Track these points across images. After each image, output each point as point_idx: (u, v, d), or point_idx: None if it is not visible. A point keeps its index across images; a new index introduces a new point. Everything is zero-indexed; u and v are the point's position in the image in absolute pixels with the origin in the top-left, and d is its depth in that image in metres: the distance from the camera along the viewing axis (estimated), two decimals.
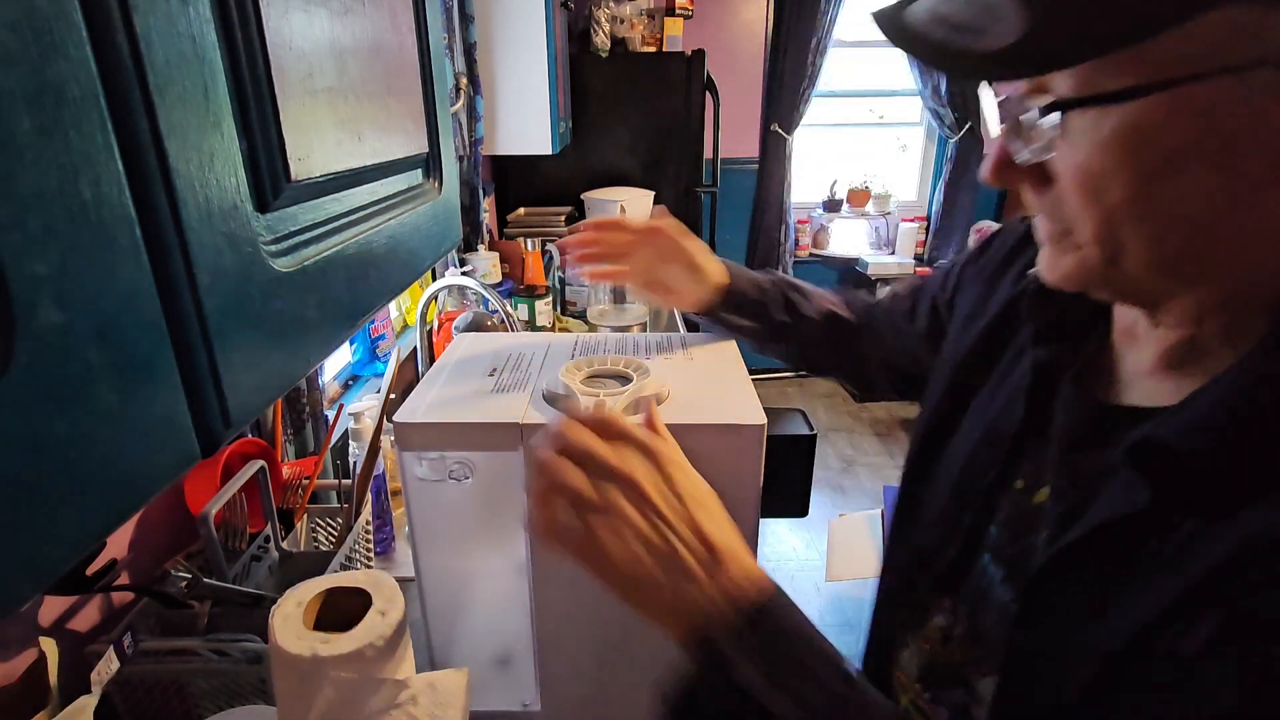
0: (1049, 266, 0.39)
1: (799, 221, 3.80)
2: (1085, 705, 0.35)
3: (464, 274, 1.65)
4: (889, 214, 3.79)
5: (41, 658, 0.60)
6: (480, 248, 2.02)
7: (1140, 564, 0.34)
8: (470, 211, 2.00)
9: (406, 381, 1.52)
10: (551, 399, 0.62)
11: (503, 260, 2.00)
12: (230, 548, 0.77)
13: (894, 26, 0.36)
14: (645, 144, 2.68)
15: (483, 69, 1.91)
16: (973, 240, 3.80)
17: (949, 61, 0.34)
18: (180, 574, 0.66)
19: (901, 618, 0.55)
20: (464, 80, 1.80)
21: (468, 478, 0.60)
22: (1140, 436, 0.35)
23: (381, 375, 1.48)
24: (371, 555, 0.98)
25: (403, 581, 0.54)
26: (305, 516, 0.95)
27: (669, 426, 0.58)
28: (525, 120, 2.00)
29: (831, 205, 3.76)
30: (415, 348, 1.54)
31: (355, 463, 0.95)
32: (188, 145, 0.27)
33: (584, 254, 0.74)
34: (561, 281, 2.13)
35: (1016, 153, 0.37)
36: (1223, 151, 0.31)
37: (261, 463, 0.77)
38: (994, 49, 0.32)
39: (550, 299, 1.85)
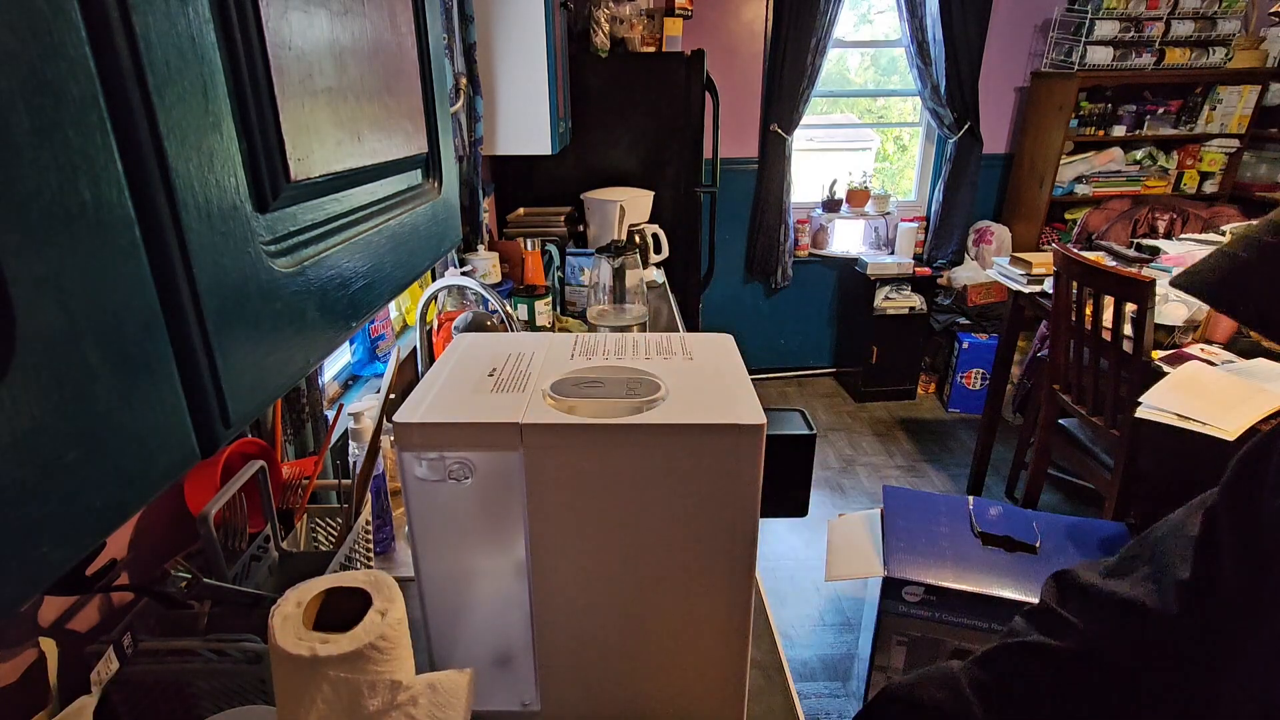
0: None
1: (798, 221, 3.80)
2: None
3: (464, 274, 1.65)
4: (888, 214, 3.79)
5: (41, 658, 0.60)
6: (480, 248, 2.02)
7: None
8: (470, 211, 2.00)
9: (406, 381, 1.52)
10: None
11: (502, 260, 2.00)
12: (230, 548, 0.77)
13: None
14: (645, 144, 2.68)
15: (483, 69, 1.91)
16: (971, 240, 3.80)
17: None
18: (180, 574, 0.66)
19: None
20: (464, 80, 1.80)
21: (468, 478, 0.60)
22: None
23: (381, 375, 1.48)
24: (371, 555, 0.98)
25: (403, 581, 0.54)
26: (305, 516, 0.95)
27: (669, 426, 0.58)
28: (525, 120, 2.00)
29: (831, 205, 3.77)
30: (415, 348, 1.53)
31: (355, 463, 0.95)
32: (187, 145, 0.27)
33: None
34: (561, 281, 2.13)
35: None
36: None
37: (261, 463, 0.77)
38: None
39: (550, 299, 1.84)
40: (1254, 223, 0.44)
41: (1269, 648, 0.48)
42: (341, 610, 0.50)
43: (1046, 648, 0.60)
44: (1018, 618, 0.64)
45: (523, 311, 1.80)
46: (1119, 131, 3.52)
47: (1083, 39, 3.30)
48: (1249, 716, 0.49)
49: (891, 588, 1.56)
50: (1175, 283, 0.49)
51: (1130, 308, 1.87)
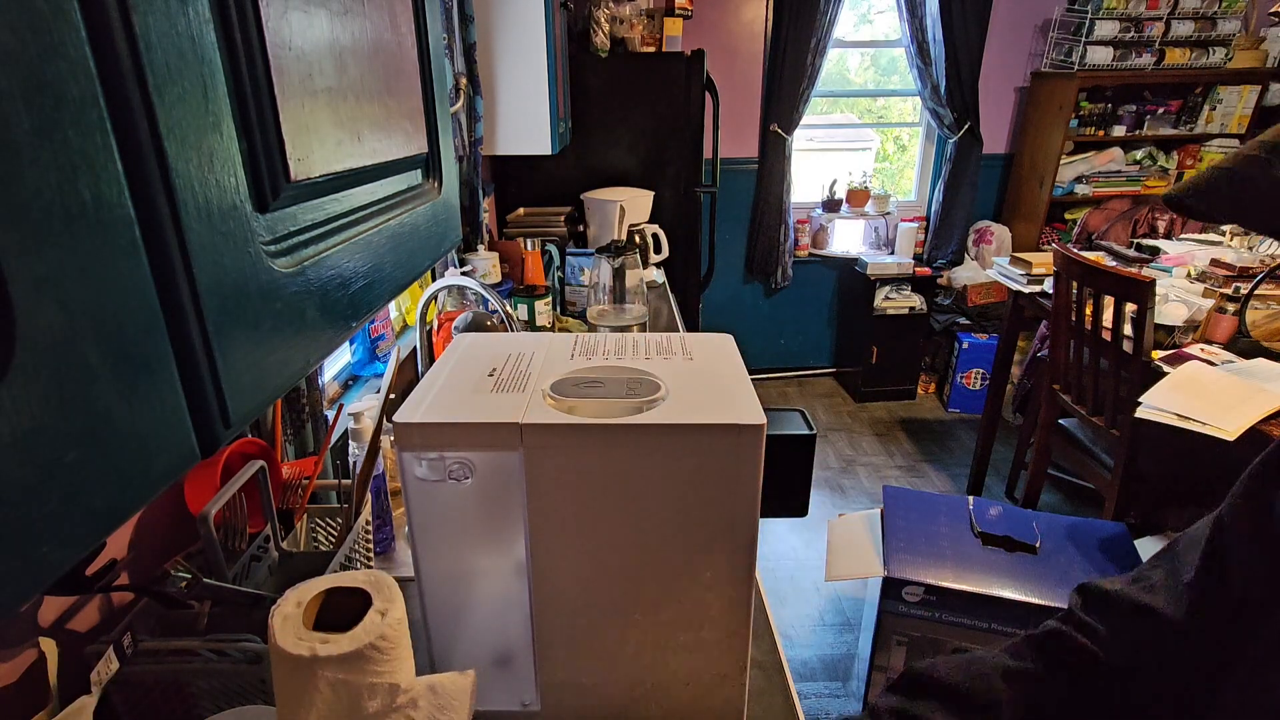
0: None
1: (798, 221, 3.80)
2: None
3: (464, 274, 1.65)
4: (888, 214, 3.80)
5: (41, 658, 0.60)
6: (480, 248, 2.02)
7: None
8: (470, 211, 2.00)
9: (406, 381, 1.52)
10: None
11: (502, 260, 2.00)
12: (230, 548, 0.77)
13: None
14: (645, 144, 2.68)
15: (483, 69, 1.91)
16: (971, 240, 3.80)
17: None
18: (180, 574, 0.66)
19: None
20: (464, 80, 1.80)
21: (467, 478, 0.60)
22: None
23: (381, 375, 1.48)
24: (371, 555, 0.98)
25: (403, 581, 0.54)
26: (305, 516, 0.95)
27: (669, 426, 0.58)
28: (525, 120, 2.00)
29: (831, 205, 3.77)
30: (415, 348, 1.53)
31: (355, 463, 0.95)
32: (187, 145, 0.27)
33: None
34: (561, 281, 2.13)
35: None
36: None
37: (261, 463, 0.77)
38: None
39: (550, 299, 1.84)
40: (1244, 144, 0.45)
41: (1274, 644, 0.48)
42: (341, 610, 0.50)
43: (1074, 640, 0.61)
44: (1049, 621, 0.65)
45: (523, 311, 1.80)
46: (1119, 131, 3.52)
47: (1083, 39, 3.30)
48: (1251, 715, 0.49)
49: (891, 588, 1.56)
50: (1166, 197, 0.49)
51: (1130, 308, 1.87)
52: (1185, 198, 0.48)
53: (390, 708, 0.47)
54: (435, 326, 1.54)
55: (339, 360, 1.52)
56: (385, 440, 1.02)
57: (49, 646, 0.60)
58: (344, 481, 0.97)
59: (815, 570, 2.45)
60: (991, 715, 0.59)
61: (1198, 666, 0.55)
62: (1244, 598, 0.52)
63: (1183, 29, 3.35)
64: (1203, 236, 2.75)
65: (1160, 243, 2.57)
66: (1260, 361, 1.78)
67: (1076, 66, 3.32)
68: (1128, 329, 1.91)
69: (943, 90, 3.47)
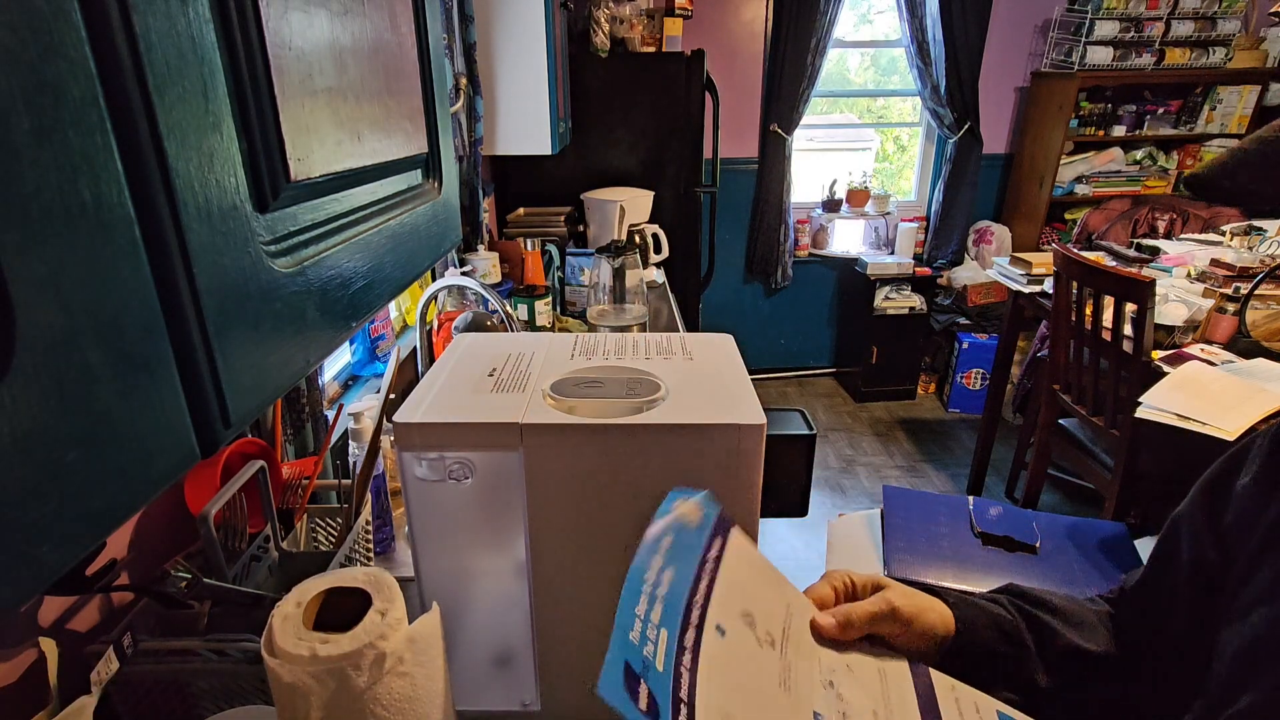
0: None
1: (798, 221, 3.80)
2: None
3: (464, 274, 1.65)
4: (888, 214, 3.79)
5: (41, 658, 0.60)
6: (480, 248, 2.02)
7: None
8: (470, 211, 2.00)
9: (406, 381, 1.52)
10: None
11: (502, 260, 2.00)
12: (230, 548, 0.77)
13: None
14: (645, 144, 2.68)
15: (483, 69, 1.91)
16: (971, 240, 3.80)
17: None
18: (180, 574, 0.65)
19: None
20: (464, 80, 1.80)
21: (467, 478, 0.60)
22: None
23: (381, 375, 1.48)
24: (371, 555, 0.98)
25: (403, 581, 0.54)
26: (305, 516, 0.95)
27: (669, 426, 0.58)
28: (525, 120, 2.00)
29: (831, 205, 3.76)
30: (415, 348, 1.53)
31: (355, 463, 0.95)
32: (187, 145, 0.27)
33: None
34: (561, 281, 2.13)
35: None
36: None
37: (261, 463, 0.77)
38: None
39: (550, 299, 1.84)
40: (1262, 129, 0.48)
41: (1257, 602, 0.50)
42: (342, 610, 0.50)
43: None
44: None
45: (523, 311, 1.80)
46: (1119, 131, 3.52)
47: (1083, 39, 3.30)
48: (1242, 654, 0.50)
49: None
50: (1191, 177, 0.53)
51: (1130, 308, 1.86)
52: (1215, 177, 0.49)
53: (381, 675, 0.47)
54: (435, 326, 1.54)
55: (339, 360, 1.52)
56: (385, 440, 1.02)
57: (49, 646, 0.60)
58: (344, 481, 0.97)
59: (815, 570, 2.44)
60: (1089, 633, 0.61)
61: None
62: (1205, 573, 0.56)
63: (1183, 29, 3.35)
64: (1203, 236, 2.75)
65: (1160, 243, 2.57)
66: (1260, 361, 1.78)
67: (1076, 66, 3.32)
68: (1128, 329, 1.91)
69: (943, 90, 3.46)
